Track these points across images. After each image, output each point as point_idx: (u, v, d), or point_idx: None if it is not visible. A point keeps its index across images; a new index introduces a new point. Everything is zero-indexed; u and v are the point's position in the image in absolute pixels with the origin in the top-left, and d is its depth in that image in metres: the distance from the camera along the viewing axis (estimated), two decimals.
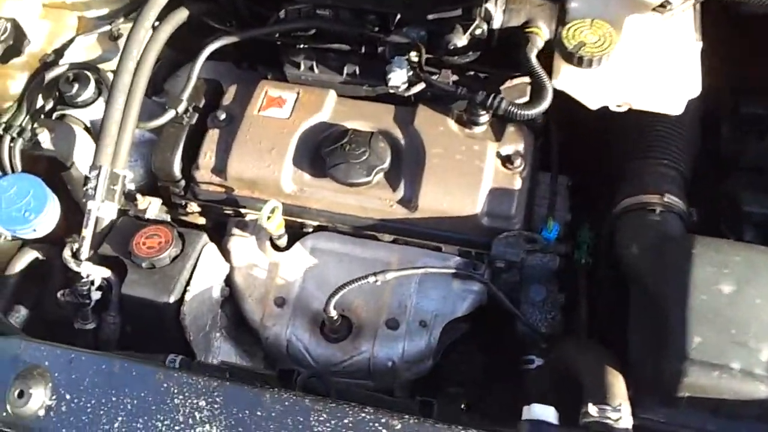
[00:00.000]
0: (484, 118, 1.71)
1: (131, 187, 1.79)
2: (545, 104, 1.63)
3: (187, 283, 1.55)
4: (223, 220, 1.81)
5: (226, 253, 1.74)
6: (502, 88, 1.74)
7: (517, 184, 1.66)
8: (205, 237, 1.63)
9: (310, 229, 1.77)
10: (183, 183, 1.73)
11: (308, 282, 1.72)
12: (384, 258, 1.72)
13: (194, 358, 1.56)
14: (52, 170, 1.73)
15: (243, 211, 1.78)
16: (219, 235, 1.79)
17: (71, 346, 1.35)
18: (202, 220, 1.85)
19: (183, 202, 1.81)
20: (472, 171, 1.61)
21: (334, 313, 1.60)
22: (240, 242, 1.76)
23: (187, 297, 1.53)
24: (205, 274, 1.60)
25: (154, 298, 1.51)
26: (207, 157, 1.69)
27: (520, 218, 1.65)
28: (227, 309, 1.74)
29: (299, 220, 1.75)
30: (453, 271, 1.62)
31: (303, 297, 1.70)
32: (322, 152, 1.63)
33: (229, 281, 1.68)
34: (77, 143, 1.72)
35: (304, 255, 1.74)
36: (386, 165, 1.67)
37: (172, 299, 1.51)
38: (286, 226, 1.71)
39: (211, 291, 1.65)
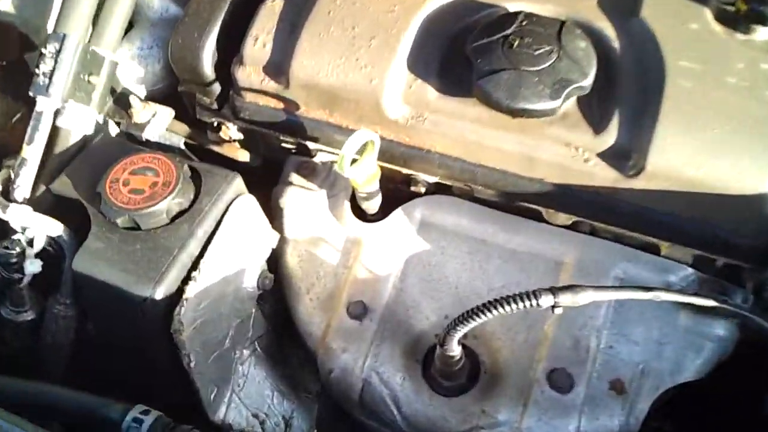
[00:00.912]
0: None
1: (138, 91, 1.07)
2: None
3: (194, 265, 0.83)
4: (277, 157, 1.07)
5: (275, 214, 1.03)
6: None
7: None
8: (238, 181, 0.90)
9: (422, 190, 1.01)
10: (217, 88, 1.01)
11: (409, 280, 0.98)
12: (551, 254, 0.97)
13: (192, 406, 0.85)
14: (10, 47, 1.01)
15: (311, 145, 1.04)
16: (269, 182, 1.05)
17: None
18: (244, 156, 1.12)
19: (215, 122, 1.08)
20: (758, 110, 0.79)
21: (456, 352, 0.85)
22: (301, 198, 1.02)
23: (190, 290, 0.81)
24: (233, 248, 0.88)
25: (126, 287, 0.80)
26: (258, 44, 0.96)
27: None
28: (267, 306, 1.02)
29: (406, 170, 0.99)
30: (703, 301, 0.83)
31: (398, 306, 0.97)
32: (466, 49, 0.84)
33: (274, 263, 0.96)
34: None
35: (407, 232, 0.99)
36: (587, 82, 0.88)
37: (158, 293, 0.80)
38: (383, 178, 0.95)
39: (240, 279, 0.93)
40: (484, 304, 0.78)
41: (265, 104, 1.03)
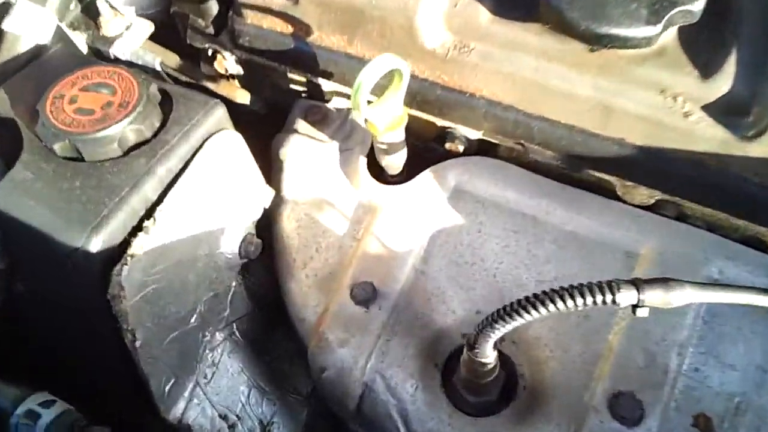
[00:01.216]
0: None
1: (127, 13, 0.87)
2: None
3: (149, 213, 0.62)
4: (283, 102, 0.87)
5: (274, 167, 0.84)
6: None
7: None
8: (219, 112, 0.70)
9: (460, 148, 0.79)
10: (213, 6, 0.81)
11: (434, 261, 0.77)
12: (623, 241, 0.75)
13: (138, 387, 0.65)
14: None
15: (325, 85, 0.83)
16: (272, 132, 0.86)
17: None
18: (244, 97, 0.91)
19: (209, 49, 0.87)
20: None
21: (490, 359, 0.63)
22: (306, 149, 0.82)
23: (140, 245, 0.61)
24: (206, 197, 0.67)
25: (54, 233, 0.60)
26: None
27: None
28: (252, 280, 0.81)
29: (441, 121, 0.78)
30: None
31: (417, 293, 0.77)
32: None
33: (266, 227, 0.78)
34: None
35: (436, 201, 0.78)
36: (697, 6, 0.66)
37: (94, 243, 0.60)
38: (410, 131, 0.75)
39: (215, 240, 0.72)
40: (536, 296, 0.56)
41: (270, 27, 0.82)
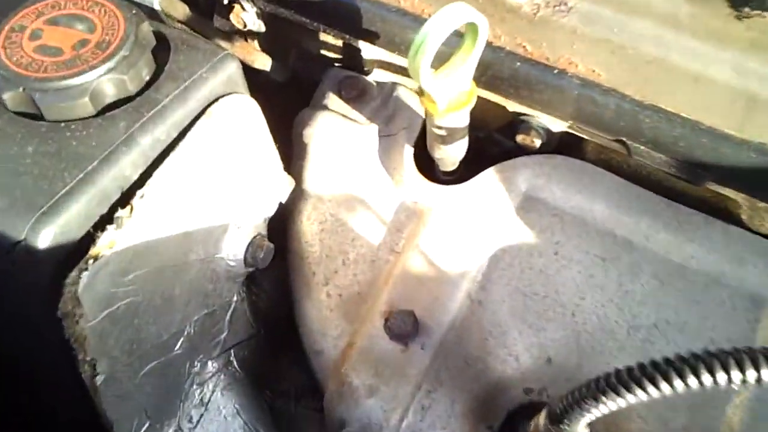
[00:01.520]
0: None
1: None
2: None
3: (125, 198, 0.44)
4: (312, 72, 0.70)
5: (296, 151, 0.67)
6: None
7: None
8: (231, 67, 0.52)
9: (536, 142, 0.61)
10: None
11: (495, 290, 0.60)
12: (747, 281, 0.59)
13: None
14: None
15: (366, 51, 0.67)
16: (296, 107, 0.69)
17: None
18: (264, 62, 0.73)
19: None
20: None
21: None
22: (337, 132, 0.64)
23: (109, 241, 0.42)
24: (204, 182, 0.49)
25: None
26: None
27: None
28: (261, 295, 0.63)
29: (514, 106, 0.60)
30: None
31: (471, 329, 0.60)
32: None
33: (280, 228, 0.59)
34: None
35: (500, 210, 0.60)
36: None
37: (43, 236, 0.42)
38: (472, 114, 0.56)
39: (214, 242, 0.54)
40: (670, 363, 0.38)
41: None
